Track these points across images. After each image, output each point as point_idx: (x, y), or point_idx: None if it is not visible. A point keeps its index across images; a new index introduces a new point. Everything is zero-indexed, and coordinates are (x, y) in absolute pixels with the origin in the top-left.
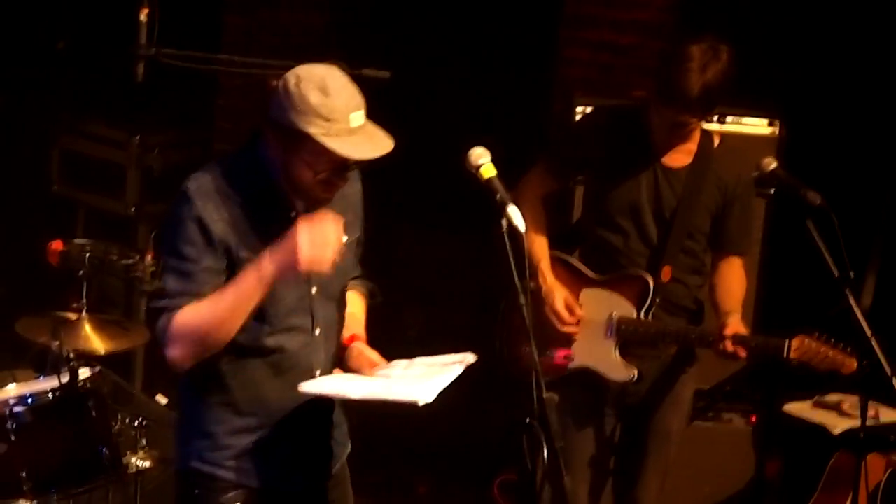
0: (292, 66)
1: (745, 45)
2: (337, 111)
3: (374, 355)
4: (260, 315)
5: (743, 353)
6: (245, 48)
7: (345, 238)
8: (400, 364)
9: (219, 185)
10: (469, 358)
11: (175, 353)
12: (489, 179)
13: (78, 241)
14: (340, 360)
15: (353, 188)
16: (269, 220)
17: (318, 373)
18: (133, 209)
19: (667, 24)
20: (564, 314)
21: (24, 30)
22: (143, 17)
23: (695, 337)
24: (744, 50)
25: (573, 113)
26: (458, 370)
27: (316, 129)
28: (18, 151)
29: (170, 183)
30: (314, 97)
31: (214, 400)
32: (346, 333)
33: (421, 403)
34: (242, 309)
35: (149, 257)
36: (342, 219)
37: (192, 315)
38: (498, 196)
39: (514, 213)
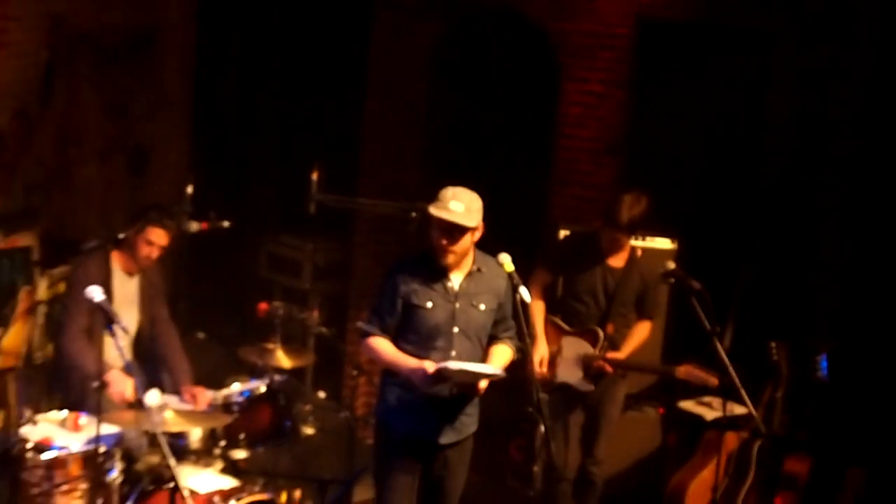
0: (400, 205)
1: (661, 194)
2: (444, 196)
3: None
4: (416, 336)
5: (610, 369)
6: (373, 193)
7: (482, 306)
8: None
9: (409, 263)
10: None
11: (362, 352)
12: (509, 272)
13: (275, 303)
14: None
15: (498, 282)
16: (431, 283)
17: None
18: (308, 286)
19: (614, 184)
20: (538, 368)
21: (246, 184)
22: (314, 176)
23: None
24: (660, 196)
25: (558, 234)
26: (496, 371)
27: (433, 208)
28: (241, 252)
29: (329, 271)
30: (441, 194)
31: (391, 381)
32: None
33: (458, 366)
34: (392, 366)
35: (315, 313)
36: (479, 295)
37: (374, 345)
38: (514, 281)
39: (523, 291)
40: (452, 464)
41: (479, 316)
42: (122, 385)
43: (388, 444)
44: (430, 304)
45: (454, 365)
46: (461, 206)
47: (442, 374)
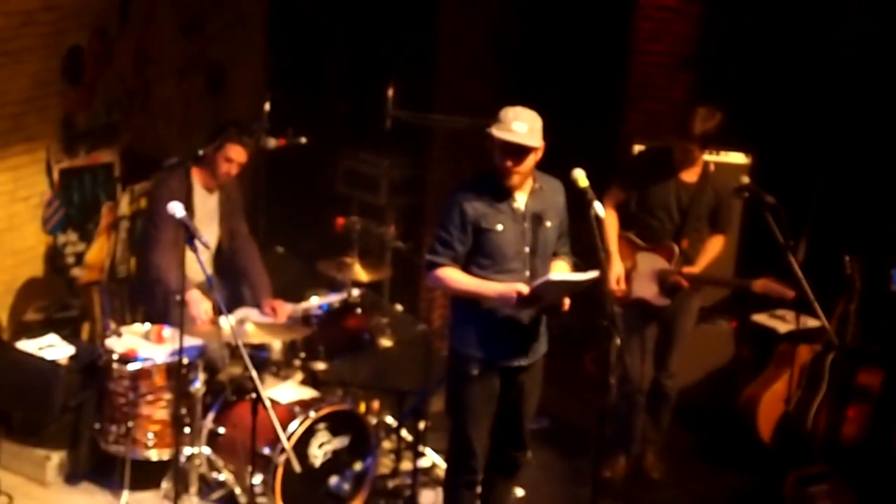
0: (475, 122)
1: (735, 109)
2: (506, 118)
3: None
4: (488, 260)
5: (686, 283)
6: (448, 109)
7: (549, 223)
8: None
9: (472, 187)
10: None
11: (430, 284)
12: (584, 187)
13: (352, 218)
14: None
15: (558, 198)
16: (497, 206)
17: None
18: (384, 201)
19: (689, 99)
20: (615, 286)
21: (322, 100)
22: (390, 92)
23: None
24: (733, 112)
25: (632, 149)
26: (592, 275)
27: (497, 130)
28: (318, 168)
29: (405, 186)
30: (502, 115)
31: (466, 309)
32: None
33: (562, 277)
34: (472, 294)
35: (392, 228)
36: (545, 213)
37: (447, 276)
38: (588, 196)
39: (597, 206)
40: (528, 385)
41: (547, 233)
42: (199, 307)
43: (468, 375)
44: (500, 227)
45: (557, 276)
46: (524, 126)
47: (536, 293)
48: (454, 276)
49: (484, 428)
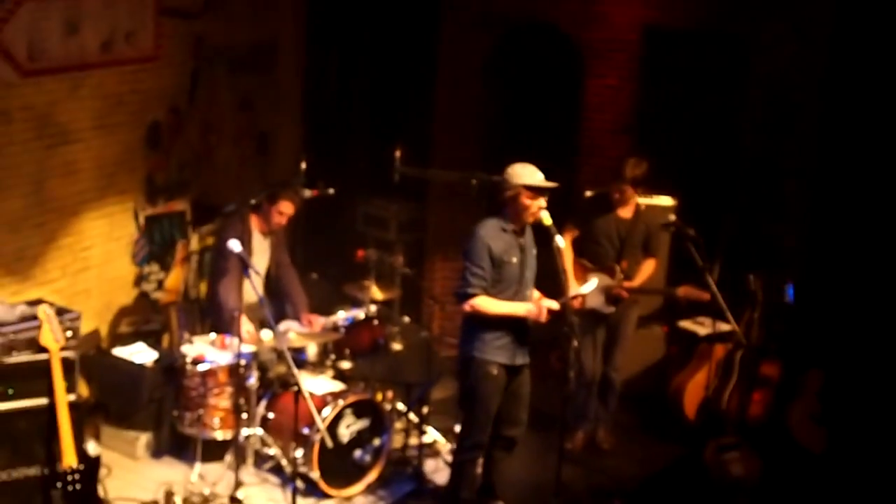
0: (464, 175)
1: (664, 162)
2: (527, 172)
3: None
4: (502, 285)
5: (626, 294)
6: (443, 166)
7: (533, 251)
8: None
9: (491, 229)
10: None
11: (467, 310)
12: (548, 225)
13: (369, 250)
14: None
15: (532, 243)
16: (511, 242)
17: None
18: (394, 237)
19: (627, 154)
20: (570, 302)
21: (345, 160)
22: (397, 153)
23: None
24: (663, 164)
25: (584, 193)
26: (593, 284)
27: (528, 180)
28: (342, 212)
29: (410, 225)
30: (521, 170)
31: (484, 325)
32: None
33: (591, 288)
34: (504, 314)
35: (400, 258)
36: (529, 244)
37: (482, 303)
38: (552, 232)
39: (559, 239)
40: (524, 377)
41: (534, 260)
42: (243, 328)
43: (489, 376)
44: (514, 260)
45: (585, 288)
46: (542, 174)
47: (565, 304)
48: (487, 304)
49: (494, 414)
